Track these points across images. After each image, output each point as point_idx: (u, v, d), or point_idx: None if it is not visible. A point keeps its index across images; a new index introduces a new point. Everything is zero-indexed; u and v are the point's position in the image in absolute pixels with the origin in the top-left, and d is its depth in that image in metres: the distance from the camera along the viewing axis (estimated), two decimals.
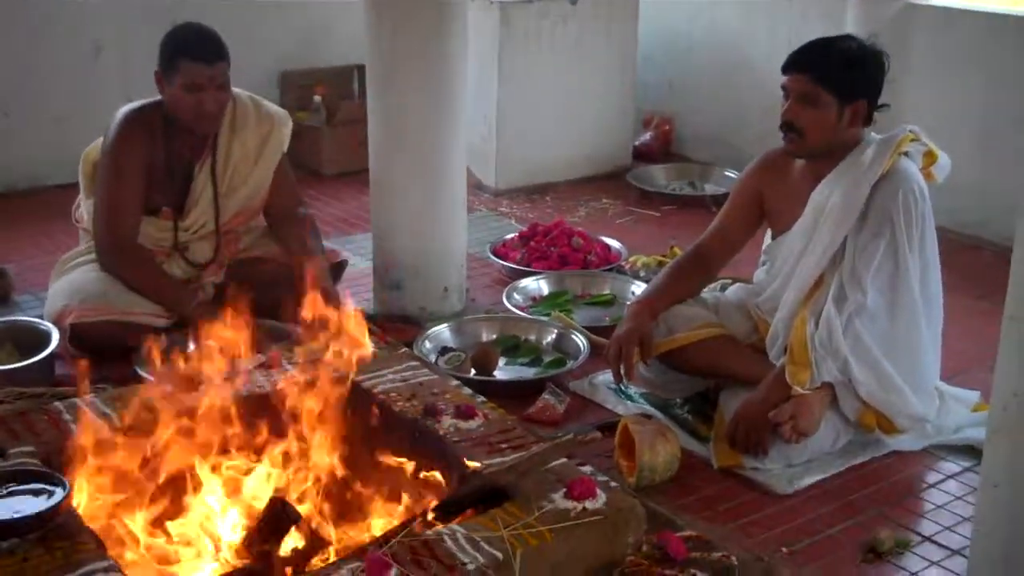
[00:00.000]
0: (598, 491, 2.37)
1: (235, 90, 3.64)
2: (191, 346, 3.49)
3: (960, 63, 4.84)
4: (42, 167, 5.24)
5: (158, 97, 3.54)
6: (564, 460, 2.49)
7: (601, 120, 5.77)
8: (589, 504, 2.34)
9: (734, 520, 2.77)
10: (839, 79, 2.97)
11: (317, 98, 5.70)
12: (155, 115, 3.54)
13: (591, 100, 5.69)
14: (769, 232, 3.34)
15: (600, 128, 5.77)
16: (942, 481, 2.97)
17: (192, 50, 3.40)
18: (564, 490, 2.36)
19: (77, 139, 3.93)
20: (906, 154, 3.06)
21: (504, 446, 2.59)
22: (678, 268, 3.33)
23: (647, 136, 6.09)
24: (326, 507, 2.53)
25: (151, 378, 3.19)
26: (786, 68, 3.06)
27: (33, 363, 3.24)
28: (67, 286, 3.49)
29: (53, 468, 2.40)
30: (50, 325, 3.39)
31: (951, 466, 3.04)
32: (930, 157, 3.11)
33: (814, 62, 3.01)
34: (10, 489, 2.23)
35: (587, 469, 2.55)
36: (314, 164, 5.63)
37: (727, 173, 5.56)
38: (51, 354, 3.31)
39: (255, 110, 3.70)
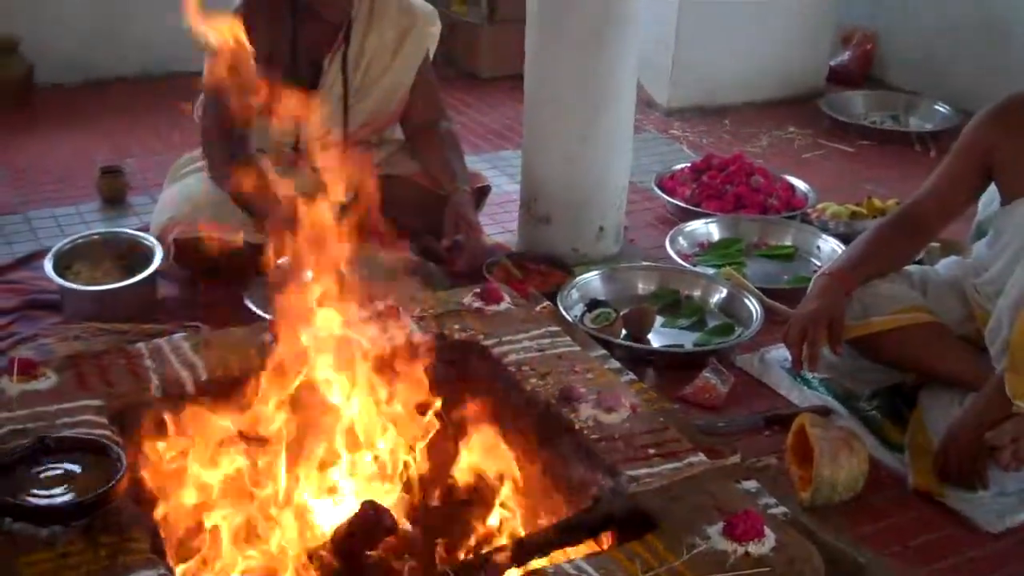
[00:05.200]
0: (766, 530, 1.88)
1: None
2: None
3: None
4: (181, 50, 4.87)
5: None
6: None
7: (793, 33, 5.09)
8: (753, 548, 1.84)
9: (928, 564, 2.25)
10: None
11: None
12: None
13: (783, 9, 5.01)
14: (995, 195, 2.74)
15: (792, 43, 5.10)
16: None
17: None
18: (723, 524, 1.88)
19: None
20: None
21: (652, 451, 2.10)
22: (881, 233, 2.75)
23: (845, 55, 5.41)
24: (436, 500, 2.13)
25: (257, 311, 2.86)
26: None
27: (131, 284, 2.90)
28: (176, 195, 3.13)
29: (124, 429, 2.05)
30: (154, 240, 3.03)
31: None
32: None
33: None
34: (57, 462, 1.87)
35: (751, 485, 2.07)
36: (470, 65, 5.16)
37: (937, 107, 4.87)
38: (153, 274, 2.95)
39: (397, 1, 3.24)
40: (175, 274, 3.08)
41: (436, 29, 3.33)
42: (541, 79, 3.33)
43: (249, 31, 3.02)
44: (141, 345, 2.35)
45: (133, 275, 2.94)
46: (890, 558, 2.23)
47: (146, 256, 3.00)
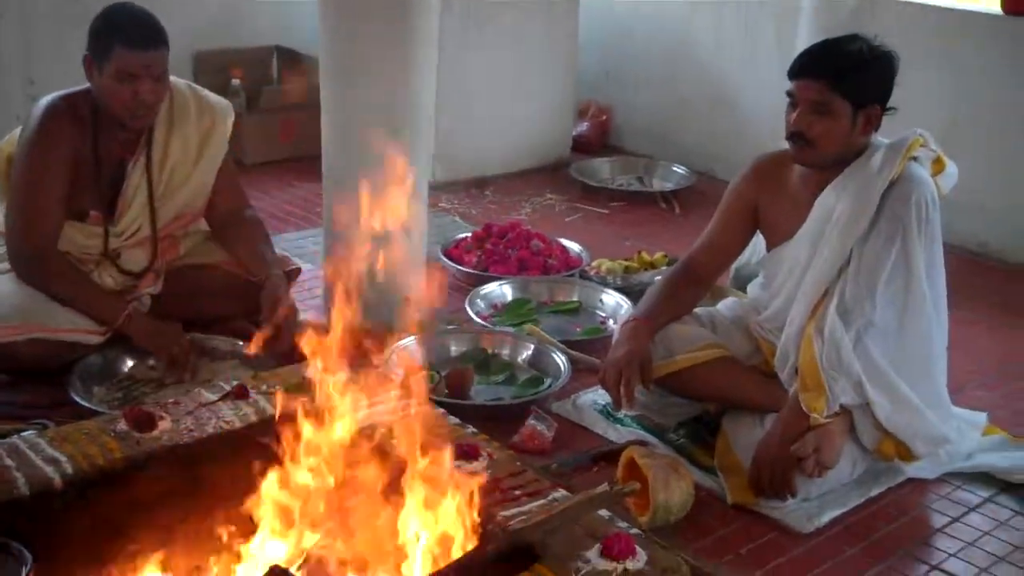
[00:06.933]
0: (638, 548, 2.10)
1: (172, 79, 3.25)
2: (129, 363, 3.18)
3: (925, 61, 4.56)
4: None
5: (85, 85, 3.13)
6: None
7: (541, 110, 5.49)
8: (630, 564, 2.06)
9: (761, 566, 2.54)
10: (854, 85, 2.75)
11: (236, 82, 5.28)
12: (83, 105, 3.13)
13: (531, 88, 5.41)
14: (754, 244, 3.15)
15: (540, 118, 5.49)
16: (965, 514, 2.79)
17: (128, 35, 2.99)
18: (599, 547, 2.09)
19: None
20: (915, 159, 2.87)
21: (518, 493, 2.30)
22: (669, 284, 3.08)
23: (584, 126, 5.83)
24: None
25: (88, 405, 2.88)
26: (795, 74, 2.81)
27: None
28: None
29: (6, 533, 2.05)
30: None
31: (969, 496, 2.87)
32: (938, 165, 2.93)
33: (827, 67, 2.76)
34: None
35: (604, 513, 2.29)
36: (234, 153, 5.18)
37: (675, 168, 5.35)
38: None
39: (195, 102, 3.31)
40: None
41: (231, 120, 3.41)
42: (341, 168, 3.49)
43: (53, 139, 3.07)
44: None
45: None
46: (727, 566, 2.51)
47: None
